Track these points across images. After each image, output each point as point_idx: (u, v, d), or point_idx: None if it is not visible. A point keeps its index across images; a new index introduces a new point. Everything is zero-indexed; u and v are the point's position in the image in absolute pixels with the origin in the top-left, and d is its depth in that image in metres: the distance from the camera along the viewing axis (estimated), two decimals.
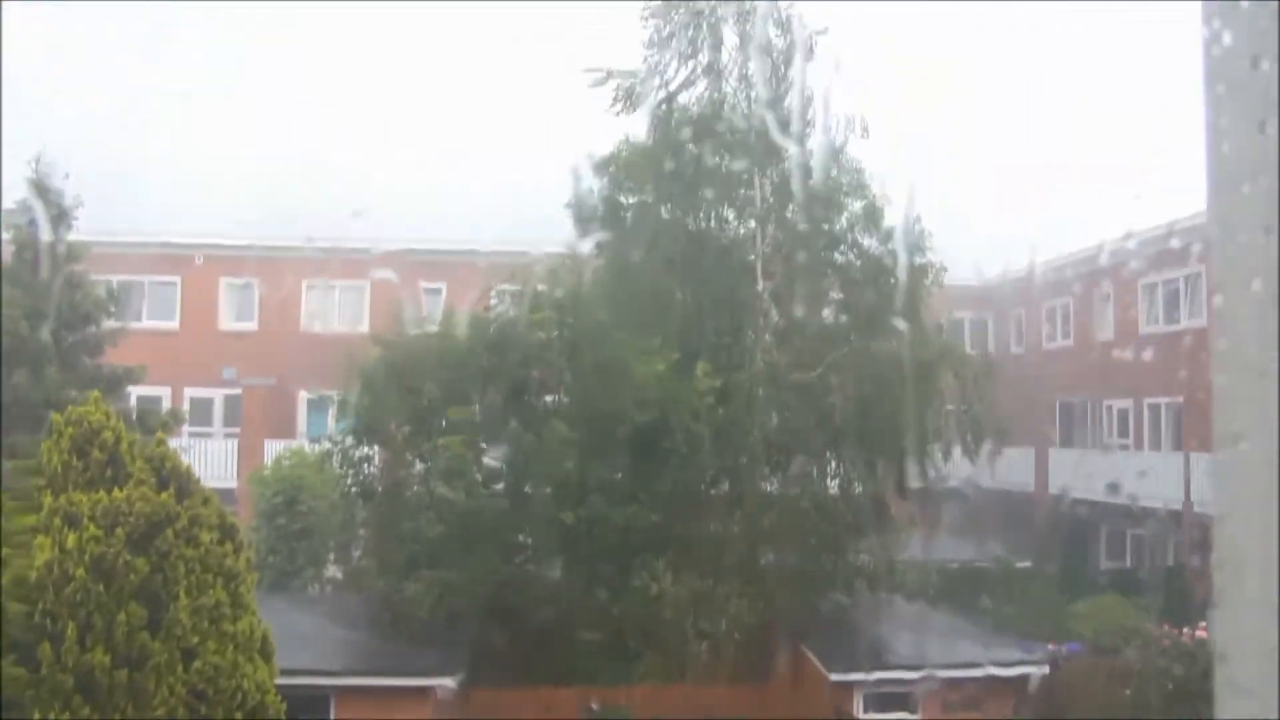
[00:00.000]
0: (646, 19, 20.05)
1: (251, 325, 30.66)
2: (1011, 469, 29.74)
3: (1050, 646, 20.34)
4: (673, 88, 20.26)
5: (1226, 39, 1.17)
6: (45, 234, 17.75)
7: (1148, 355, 27.96)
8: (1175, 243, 25.60)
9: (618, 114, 20.05)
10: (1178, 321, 27.27)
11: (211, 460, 26.01)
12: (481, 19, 48.42)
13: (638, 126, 20.35)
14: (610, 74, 19.97)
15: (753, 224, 19.68)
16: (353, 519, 19.96)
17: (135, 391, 21.32)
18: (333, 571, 21.89)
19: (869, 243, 20.17)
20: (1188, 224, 23.04)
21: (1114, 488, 27.09)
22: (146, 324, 27.72)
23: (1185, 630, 22.56)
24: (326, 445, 20.80)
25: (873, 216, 20.00)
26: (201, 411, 29.03)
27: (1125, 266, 28.55)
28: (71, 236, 18.31)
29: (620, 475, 18.25)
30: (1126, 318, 29.30)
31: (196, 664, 10.35)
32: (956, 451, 19.92)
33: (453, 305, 26.95)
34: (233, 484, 24.32)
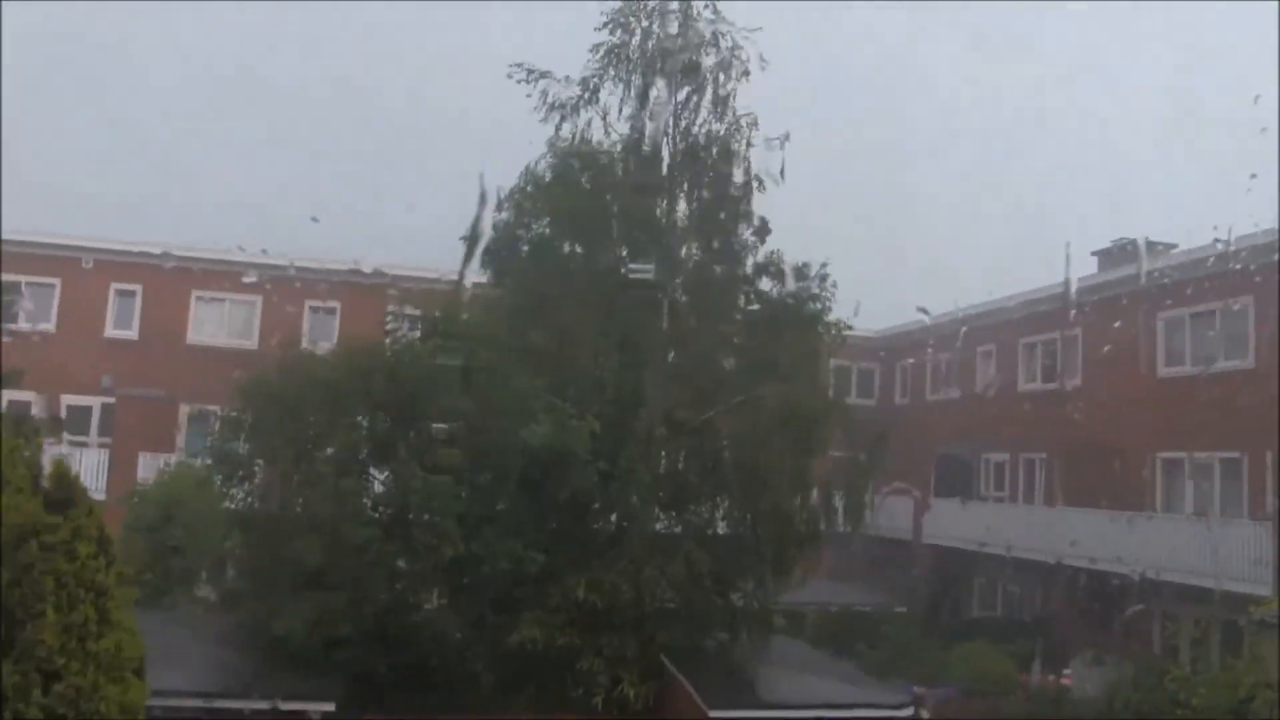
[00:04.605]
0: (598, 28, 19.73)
1: (134, 334, 29.74)
2: (893, 516, 30.47)
3: (921, 689, 20.85)
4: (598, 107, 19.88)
5: None
6: None
7: (1025, 410, 28.95)
8: (1047, 307, 26.89)
9: (542, 120, 19.62)
10: (1054, 380, 28.33)
11: (84, 470, 25.04)
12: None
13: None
14: (539, 75, 19.52)
15: (657, 263, 19.65)
16: (230, 538, 19.40)
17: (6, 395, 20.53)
18: (206, 591, 21.22)
19: (771, 288, 20.33)
20: (1057, 290, 24.57)
21: (988, 538, 27.98)
22: (22, 325, 26.79)
23: (1052, 677, 23.44)
24: (207, 462, 20.23)
25: (776, 262, 20.20)
26: (79, 420, 28.05)
27: (1008, 324, 29.62)
28: None
29: (508, 509, 18.13)
30: (1007, 374, 30.32)
31: (58, 686, 9.90)
32: (840, 498, 20.24)
33: (346, 326, 26.61)
34: (102, 495, 23.40)
